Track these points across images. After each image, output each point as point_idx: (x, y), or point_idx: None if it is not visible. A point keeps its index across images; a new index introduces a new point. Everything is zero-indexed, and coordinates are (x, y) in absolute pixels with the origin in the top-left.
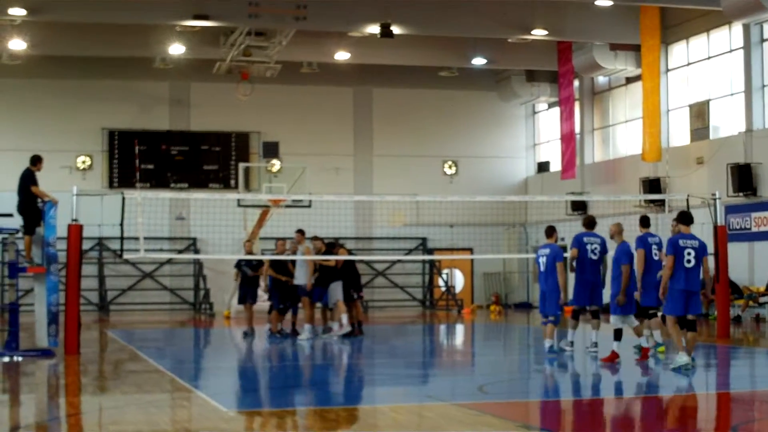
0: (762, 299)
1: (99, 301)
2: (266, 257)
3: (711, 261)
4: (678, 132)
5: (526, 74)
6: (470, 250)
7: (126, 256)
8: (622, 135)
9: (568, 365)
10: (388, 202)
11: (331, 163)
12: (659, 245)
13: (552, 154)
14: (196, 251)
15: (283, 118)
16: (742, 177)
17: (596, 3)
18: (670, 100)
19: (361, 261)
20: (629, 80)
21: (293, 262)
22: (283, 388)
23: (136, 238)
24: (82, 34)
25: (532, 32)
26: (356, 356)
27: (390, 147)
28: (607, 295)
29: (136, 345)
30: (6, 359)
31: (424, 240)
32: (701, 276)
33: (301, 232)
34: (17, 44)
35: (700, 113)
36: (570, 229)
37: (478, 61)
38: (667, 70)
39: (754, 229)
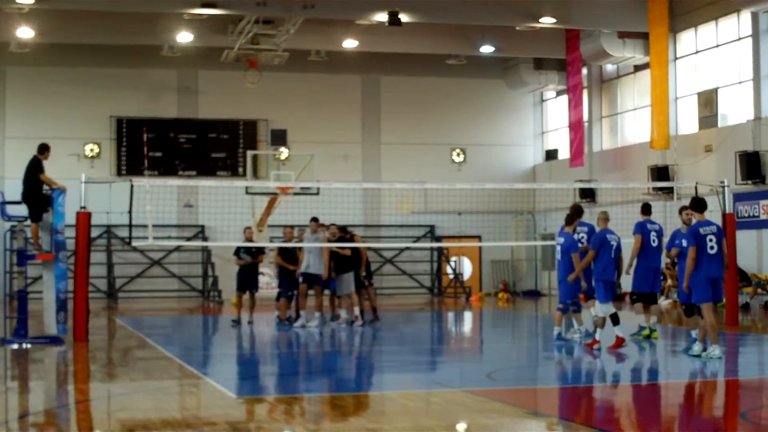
0: None
1: (107, 288)
2: (274, 245)
3: None
4: (686, 120)
5: (534, 62)
6: (478, 238)
7: (134, 243)
8: (631, 123)
9: (575, 353)
10: (396, 189)
11: (340, 150)
12: (659, 232)
13: (560, 142)
14: (205, 239)
15: (291, 105)
16: (751, 165)
17: None
18: (678, 88)
19: (369, 248)
20: (637, 68)
21: (301, 249)
22: (292, 375)
23: (145, 226)
24: (90, 22)
25: (541, 20)
26: (364, 343)
27: (398, 135)
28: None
29: (144, 332)
30: (15, 346)
31: (432, 227)
32: (725, 260)
33: (315, 220)
34: (25, 32)
35: (708, 101)
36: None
37: (486, 49)
38: (676, 58)
39: (763, 217)
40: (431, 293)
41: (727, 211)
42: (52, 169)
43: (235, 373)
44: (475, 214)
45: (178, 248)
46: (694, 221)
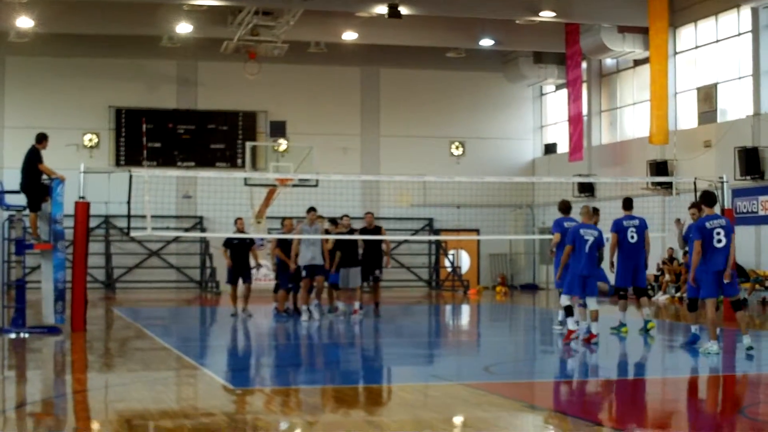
0: None
1: (105, 278)
2: (272, 236)
3: None
4: (685, 115)
5: (533, 56)
6: (477, 231)
7: (133, 234)
8: (630, 117)
9: (573, 347)
10: (395, 182)
11: (339, 142)
12: (639, 227)
13: (559, 135)
14: (203, 230)
15: (291, 97)
16: (750, 160)
17: None
18: (677, 82)
19: (366, 239)
20: (637, 63)
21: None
22: (290, 367)
23: (143, 216)
24: (90, 12)
25: (540, 14)
26: (362, 336)
27: (397, 127)
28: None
29: (142, 323)
30: (13, 336)
31: (430, 220)
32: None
33: (313, 210)
34: (25, 22)
35: (707, 96)
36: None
37: (486, 42)
38: (675, 53)
39: (761, 213)
40: (429, 286)
41: (726, 207)
42: (50, 159)
43: (232, 364)
44: (474, 208)
45: (176, 239)
46: (704, 215)
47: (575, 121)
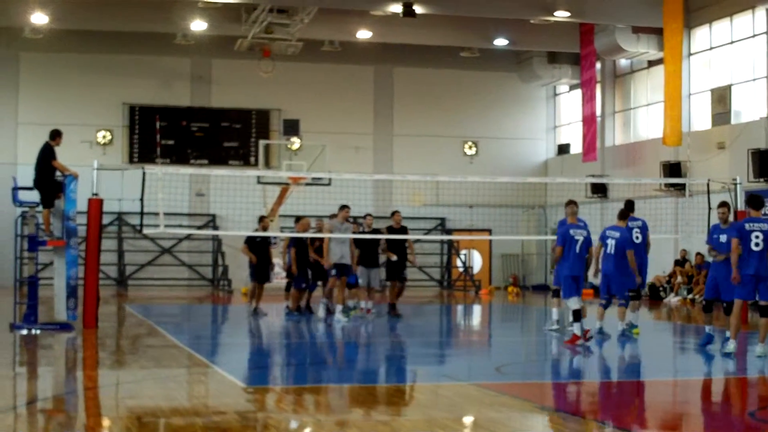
0: None
1: (118, 275)
2: (308, 235)
3: None
4: (699, 116)
5: (547, 56)
6: (489, 231)
7: (145, 231)
8: (644, 118)
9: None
10: (407, 181)
11: (352, 141)
12: (642, 228)
13: (572, 136)
14: (215, 228)
15: (304, 96)
16: (763, 162)
17: None
18: (691, 84)
19: (378, 238)
20: (651, 63)
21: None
22: (301, 365)
23: (156, 214)
24: (104, 9)
25: (555, 13)
26: (374, 335)
27: (410, 126)
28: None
29: (154, 320)
30: (25, 332)
31: (442, 220)
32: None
33: (346, 207)
34: (39, 18)
35: (721, 98)
36: (590, 212)
37: (500, 42)
38: (690, 54)
39: None
40: (441, 286)
41: (739, 209)
42: (64, 156)
43: (244, 362)
44: (486, 208)
45: (188, 237)
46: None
47: (589, 122)
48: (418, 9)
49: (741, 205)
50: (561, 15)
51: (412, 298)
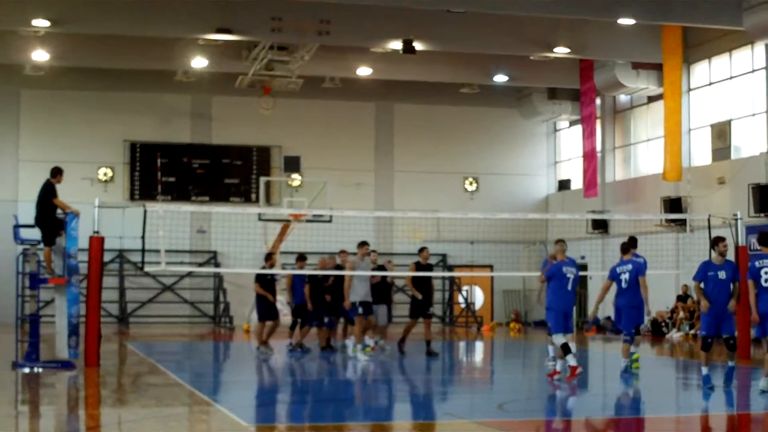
0: None
1: (119, 313)
2: (327, 272)
3: None
4: (699, 151)
5: (547, 92)
6: (490, 267)
7: (147, 268)
8: (644, 154)
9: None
10: (408, 218)
11: (352, 178)
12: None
13: (573, 172)
14: (217, 265)
15: (305, 132)
16: (764, 197)
17: (618, 21)
18: (691, 119)
19: (378, 275)
20: (651, 99)
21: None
22: (304, 404)
23: (157, 251)
24: (105, 46)
25: (555, 50)
26: (376, 372)
27: (411, 163)
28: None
29: (155, 358)
30: (26, 370)
31: (444, 256)
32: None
33: (366, 244)
34: (40, 55)
35: (721, 133)
36: (590, 247)
37: (500, 78)
38: (689, 90)
39: None
40: (443, 322)
41: (740, 244)
42: (65, 193)
43: (246, 400)
44: (488, 244)
45: (190, 274)
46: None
47: (589, 158)
48: (418, 46)
49: (742, 241)
50: (561, 51)
51: (414, 335)
